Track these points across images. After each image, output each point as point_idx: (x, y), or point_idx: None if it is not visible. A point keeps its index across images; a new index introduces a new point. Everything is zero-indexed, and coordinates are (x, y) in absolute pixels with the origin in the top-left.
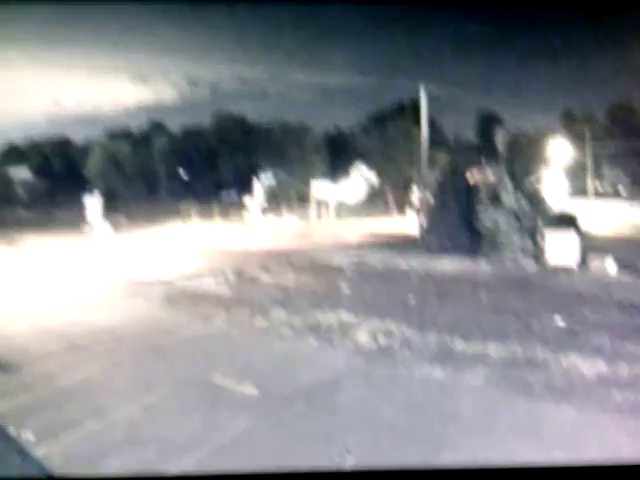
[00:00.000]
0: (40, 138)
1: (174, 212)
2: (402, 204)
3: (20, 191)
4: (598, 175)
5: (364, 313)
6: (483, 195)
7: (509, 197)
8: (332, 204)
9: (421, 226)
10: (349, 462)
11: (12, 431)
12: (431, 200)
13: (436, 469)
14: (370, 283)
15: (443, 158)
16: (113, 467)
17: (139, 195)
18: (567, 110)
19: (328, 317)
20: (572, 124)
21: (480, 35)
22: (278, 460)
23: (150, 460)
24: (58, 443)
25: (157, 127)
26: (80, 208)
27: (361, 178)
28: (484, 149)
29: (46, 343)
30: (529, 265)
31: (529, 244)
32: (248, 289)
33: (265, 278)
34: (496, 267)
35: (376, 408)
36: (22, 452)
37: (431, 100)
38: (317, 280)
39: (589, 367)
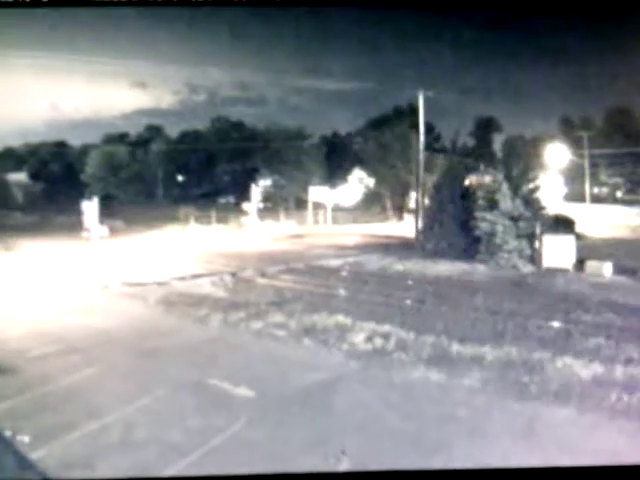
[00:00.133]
0: (38, 143)
1: (172, 216)
2: (400, 209)
3: (18, 196)
4: (596, 180)
5: (360, 315)
6: (480, 199)
7: (506, 201)
8: (329, 209)
9: (418, 230)
10: (344, 464)
11: (8, 433)
12: (428, 204)
13: (432, 471)
14: (366, 286)
15: (441, 163)
16: (109, 469)
17: (137, 200)
18: (565, 116)
19: (324, 319)
20: (570, 130)
21: (478, 41)
22: (274, 462)
23: (146, 462)
24: (54, 445)
25: (155, 132)
26: (78, 212)
27: (358, 183)
28: (482, 154)
29: (42, 346)
30: (526, 268)
31: (526, 247)
32: (244, 291)
33: (261, 281)
34: (493, 270)
35: (372, 410)
36: (17, 454)
37: (429, 105)
38: (313, 283)
39: (585, 368)
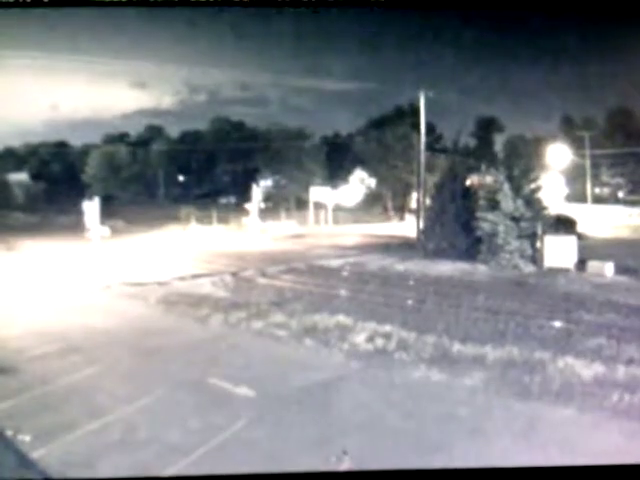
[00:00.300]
0: (39, 143)
1: (173, 216)
2: (401, 209)
3: (19, 196)
4: (597, 180)
5: (361, 315)
6: (482, 200)
7: (508, 202)
8: (330, 209)
9: (419, 230)
10: (345, 464)
11: (9, 433)
12: (430, 205)
13: (432, 470)
14: (367, 286)
15: (442, 163)
16: (109, 469)
17: (138, 200)
18: (566, 116)
19: (325, 319)
20: (571, 129)
21: (479, 41)
22: (274, 461)
23: (147, 461)
24: (54, 445)
25: (156, 132)
26: (78, 212)
27: (360, 183)
28: (483, 154)
29: (43, 345)
30: (527, 268)
31: (527, 247)
32: (245, 291)
33: (262, 281)
34: (494, 270)
35: (373, 410)
36: (18, 454)
37: (430, 106)
38: (314, 283)
39: (586, 368)
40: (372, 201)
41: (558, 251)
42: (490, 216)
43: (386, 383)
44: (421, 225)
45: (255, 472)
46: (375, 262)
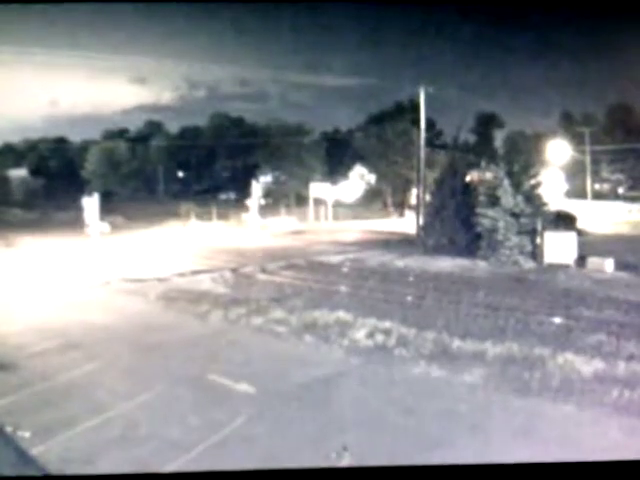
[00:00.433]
0: (38, 139)
1: (172, 212)
2: (401, 205)
3: (18, 192)
4: (597, 176)
5: (361, 311)
6: (482, 196)
7: (508, 198)
8: (330, 205)
9: (419, 226)
10: (345, 460)
11: (8, 429)
12: (430, 201)
13: (432, 466)
14: (367, 282)
15: (442, 159)
16: (109, 465)
17: (137, 196)
18: (566, 111)
19: (325, 315)
20: (571, 125)
21: (479, 37)
22: (274, 457)
23: (146, 457)
24: (54, 441)
25: (155, 128)
26: (78, 209)
27: (359, 179)
28: (483, 150)
29: (43, 341)
30: (527, 264)
31: (527, 244)
32: (245, 287)
33: (262, 277)
34: (494, 266)
35: (373, 406)
36: (18, 450)
37: (430, 101)
38: (314, 279)
39: (586, 365)
40: (372, 197)
41: (558, 247)
42: (490, 212)
43: (386, 379)
44: (421, 221)
45: (255, 469)
46: (375, 258)
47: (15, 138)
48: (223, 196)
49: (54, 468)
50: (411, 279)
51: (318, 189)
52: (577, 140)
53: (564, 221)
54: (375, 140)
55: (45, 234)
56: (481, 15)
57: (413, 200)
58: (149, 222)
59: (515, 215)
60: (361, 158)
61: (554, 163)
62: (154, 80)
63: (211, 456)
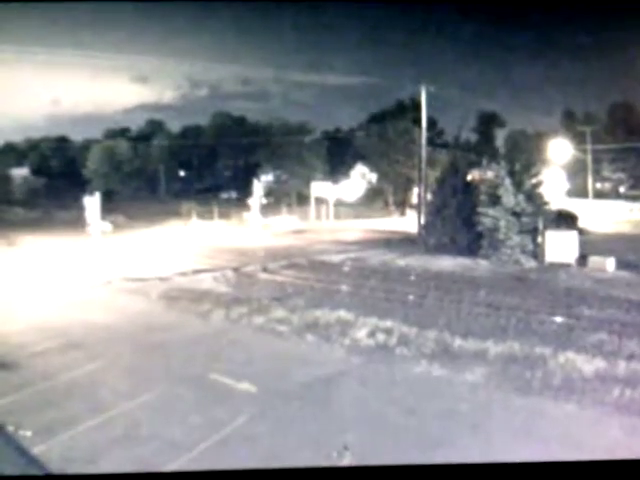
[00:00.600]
0: (40, 138)
1: (174, 212)
2: (402, 204)
3: (20, 191)
4: (599, 175)
5: (362, 311)
6: (483, 195)
7: (509, 197)
8: (332, 204)
9: (421, 225)
10: (347, 459)
11: (10, 428)
12: (431, 200)
13: (434, 465)
14: (369, 281)
15: (443, 158)
16: (111, 464)
17: (139, 195)
18: (568, 110)
19: (326, 315)
20: (573, 124)
21: (480, 36)
22: (276, 457)
23: (148, 457)
24: (55, 440)
25: (157, 127)
26: (79, 208)
27: (361, 178)
28: (485, 149)
29: (44, 341)
30: (528, 263)
31: (529, 243)
32: (246, 287)
33: (263, 276)
34: (495, 265)
35: (374, 405)
36: (20, 449)
37: (432, 100)
38: (316, 278)
39: (587, 364)
40: (373, 196)
41: (559, 246)
42: (491, 211)
43: (387, 379)
44: (422, 220)
45: (256, 468)
46: (376, 257)
47: (17, 137)
48: (224, 195)
49: (55, 467)
50: (412, 278)
51: (319, 188)
52: (578, 139)
53: (565, 220)
54: (376, 139)
55: (47, 233)
56: (482, 14)
57: (414, 199)
58: (150, 221)
59: (516, 214)
60: (362, 157)
61: (555, 162)
62: (156, 79)
63: (213, 455)
